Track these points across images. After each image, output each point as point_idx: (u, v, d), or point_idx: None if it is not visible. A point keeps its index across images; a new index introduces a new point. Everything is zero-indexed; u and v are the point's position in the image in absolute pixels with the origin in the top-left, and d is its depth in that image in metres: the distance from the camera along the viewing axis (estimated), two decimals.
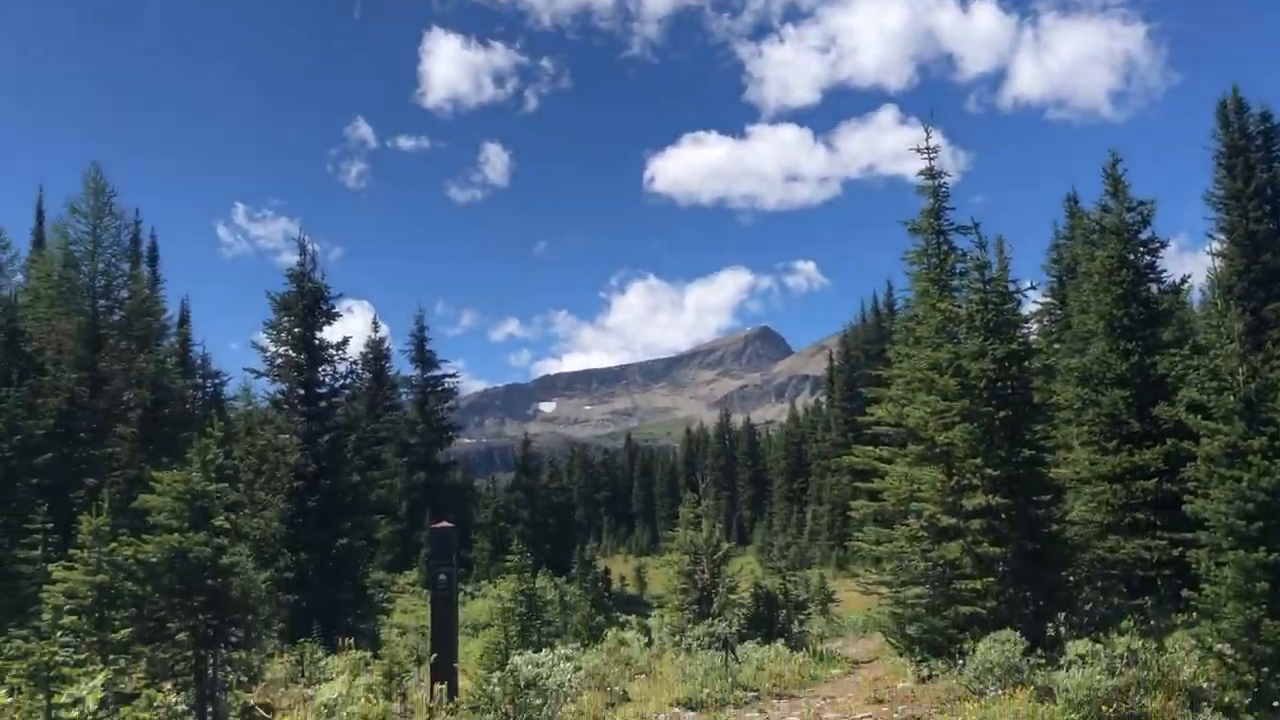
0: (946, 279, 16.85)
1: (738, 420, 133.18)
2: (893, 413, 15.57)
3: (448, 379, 63.59)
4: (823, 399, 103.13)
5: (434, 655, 12.78)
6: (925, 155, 18.11)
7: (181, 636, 7.48)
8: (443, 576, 13.21)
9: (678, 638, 20.30)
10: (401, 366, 65.66)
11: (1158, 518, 16.97)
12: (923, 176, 18.43)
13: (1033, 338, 34.11)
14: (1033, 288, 14.65)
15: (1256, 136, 42.61)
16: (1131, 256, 19.33)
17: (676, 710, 13.76)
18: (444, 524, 14.02)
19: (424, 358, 62.58)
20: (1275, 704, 9.98)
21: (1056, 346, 28.63)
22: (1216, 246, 42.82)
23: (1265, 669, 10.17)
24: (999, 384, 13.75)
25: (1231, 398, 11.38)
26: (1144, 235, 19.56)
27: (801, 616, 23.55)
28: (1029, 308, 44.93)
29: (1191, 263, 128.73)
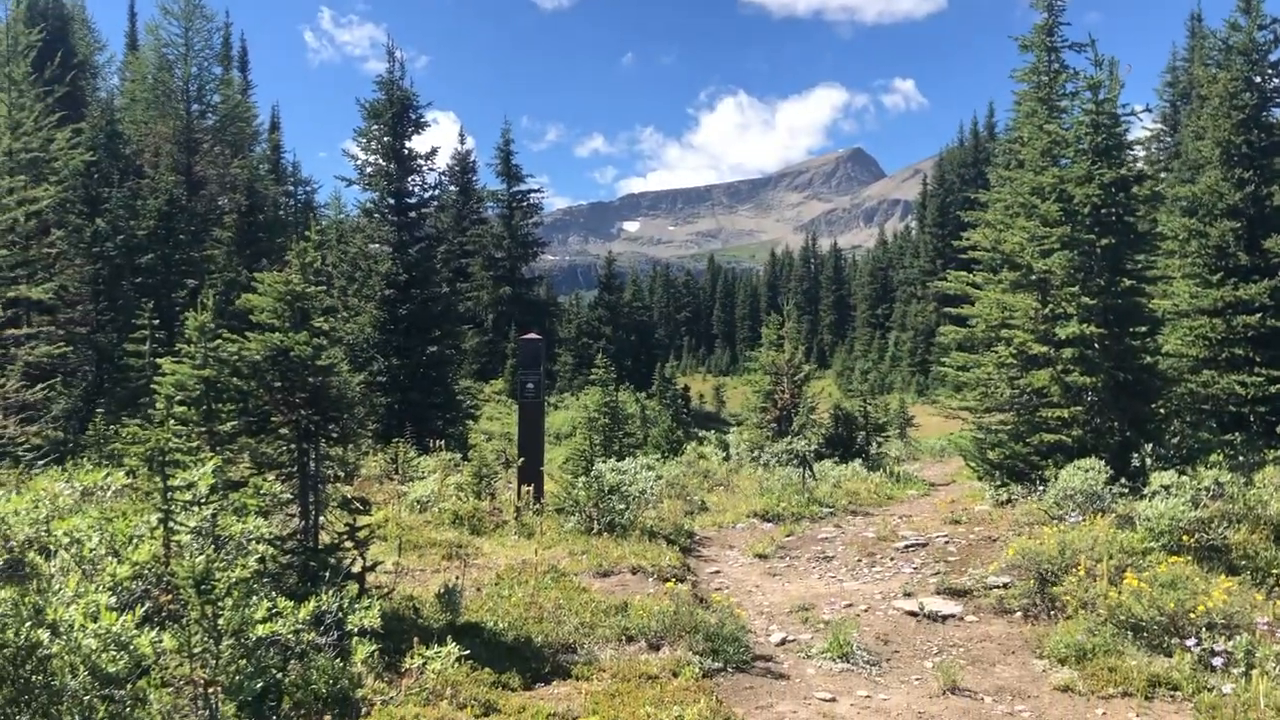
0: (1056, 99, 16.06)
1: (824, 245, 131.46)
2: (989, 238, 15.16)
3: (533, 194, 63.46)
4: (913, 224, 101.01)
5: (521, 459, 13.26)
6: None
7: (284, 431, 7.79)
8: (530, 385, 13.55)
9: (756, 454, 20.70)
10: (487, 180, 65.61)
11: (1258, 354, 16.52)
12: None
13: (1140, 165, 32.75)
14: (1147, 110, 13.86)
15: None
16: (1259, 79, 18.14)
17: (754, 520, 14.16)
18: (532, 335, 14.28)
19: (510, 172, 62.36)
20: None
21: (1165, 175, 27.39)
22: None
23: None
24: (1103, 210, 13.22)
25: None
26: (1274, 56, 18.28)
27: (880, 439, 23.79)
28: (1139, 133, 42.90)
29: None
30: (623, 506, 11.99)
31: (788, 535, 13.02)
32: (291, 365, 7.52)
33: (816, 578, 10.94)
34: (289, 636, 5.70)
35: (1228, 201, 17.95)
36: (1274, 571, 9.20)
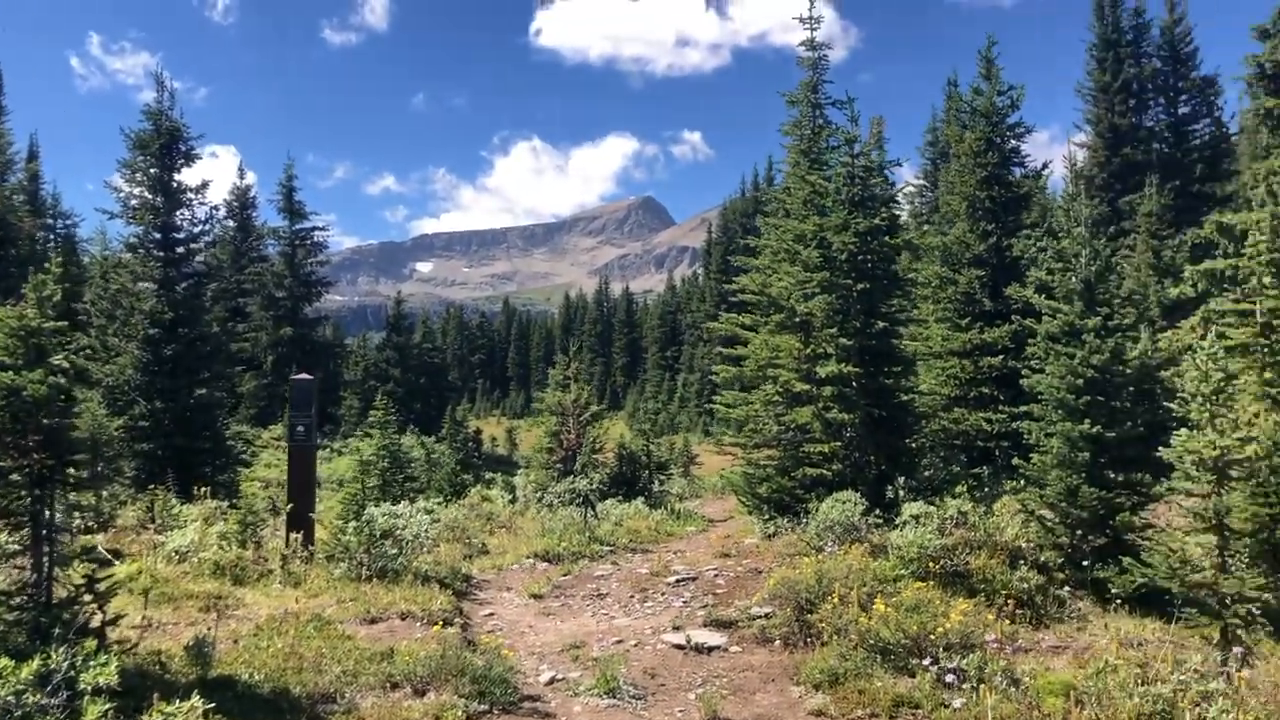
0: (818, 152, 16.98)
1: (616, 289, 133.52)
2: (757, 282, 15.81)
3: (318, 231, 61.45)
4: (700, 270, 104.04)
5: (290, 505, 12.75)
6: (807, 25, 17.99)
7: (15, 477, 7.22)
8: (301, 428, 13.10)
9: (541, 494, 20.67)
10: (269, 217, 63.26)
11: (1000, 392, 17.87)
12: (803, 48, 18.34)
13: (904, 217, 34.81)
14: (898, 164, 14.88)
15: (1129, 31, 43.62)
16: (998, 140, 19.78)
17: (533, 561, 14.11)
18: (303, 376, 13.83)
19: (293, 208, 60.26)
20: (1084, 563, 10.79)
21: (926, 227, 29.36)
22: (1082, 138, 44.18)
23: (1079, 531, 10.97)
24: (860, 257, 14.05)
25: (1073, 279, 11.89)
26: (1011, 119, 20.00)
27: (662, 477, 24.22)
28: (904, 188, 45.72)
29: (1062, 153, 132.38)
30: (395, 551, 11.71)
31: (565, 575, 13.06)
32: (24, 406, 7.00)
33: (590, 615, 11.00)
34: (8, 699, 5.28)
35: (974, 251, 19.42)
36: (1002, 592, 9.90)
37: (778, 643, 9.37)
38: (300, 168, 60.36)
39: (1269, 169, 20.92)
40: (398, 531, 11.92)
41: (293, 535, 12.43)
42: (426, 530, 12.90)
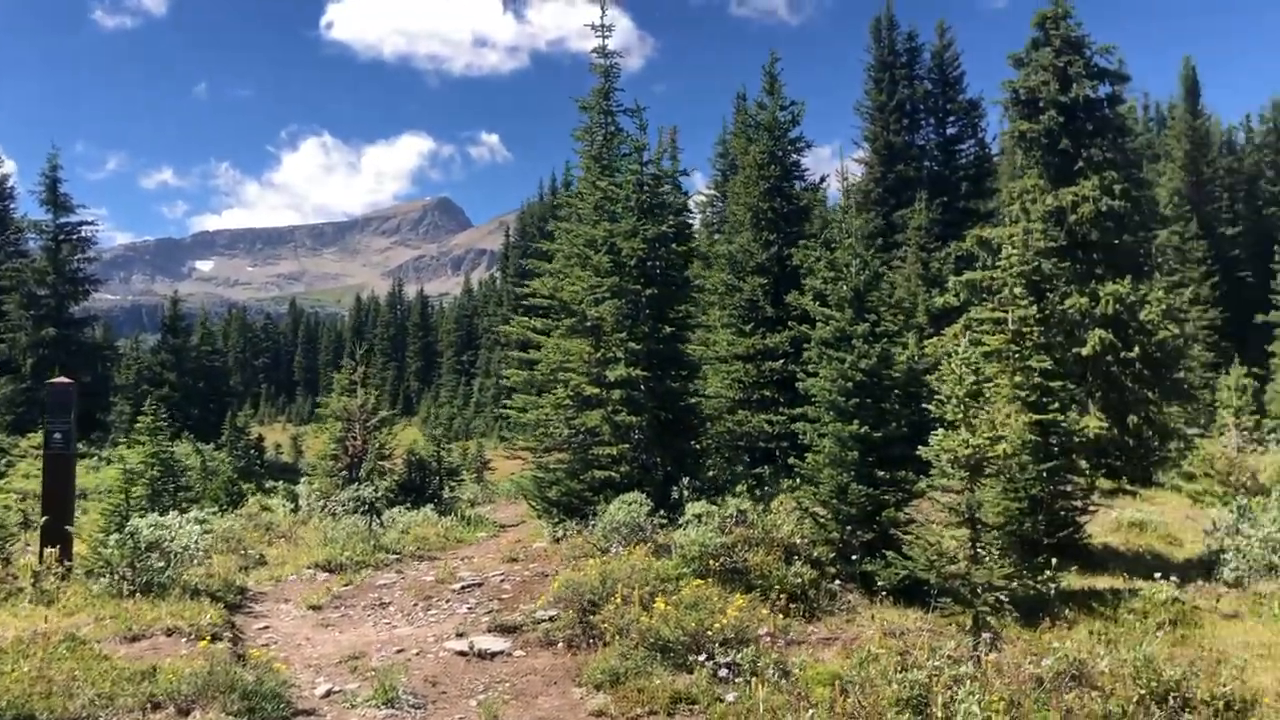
0: (610, 159, 17.17)
1: (411, 291, 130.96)
2: (549, 286, 15.86)
3: (86, 226, 57.46)
4: (497, 274, 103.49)
5: (45, 518, 11.88)
6: (599, 33, 18.16)
7: None
8: (58, 435, 12.25)
9: (324, 503, 20.01)
10: (31, 210, 58.65)
11: (781, 395, 18.58)
12: (596, 55, 18.50)
13: (696, 225, 35.44)
14: (685, 174, 15.26)
15: (903, 54, 46.26)
16: (780, 153, 20.58)
17: (314, 571, 13.64)
18: (62, 380, 12.92)
19: (57, 200, 56.06)
20: (854, 557, 11.35)
21: (717, 235, 30.19)
22: (860, 154, 46.54)
23: (849, 527, 11.52)
24: (649, 263, 14.32)
25: (844, 287, 12.48)
26: (793, 134, 20.86)
27: (454, 483, 23.91)
28: (695, 197, 46.65)
29: (835, 167, 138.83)
30: (162, 564, 11.07)
31: (346, 585, 12.69)
32: None
33: (371, 625, 10.73)
34: None
35: (757, 260, 20.14)
36: (777, 588, 10.29)
37: (561, 645, 9.41)
38: (67, 158, 56.30)
39: (1022, 188, 22.69)
40: (165, 543, 11.28)
41: (48, 550, 11.56)
42: (197, 541, 12.26)
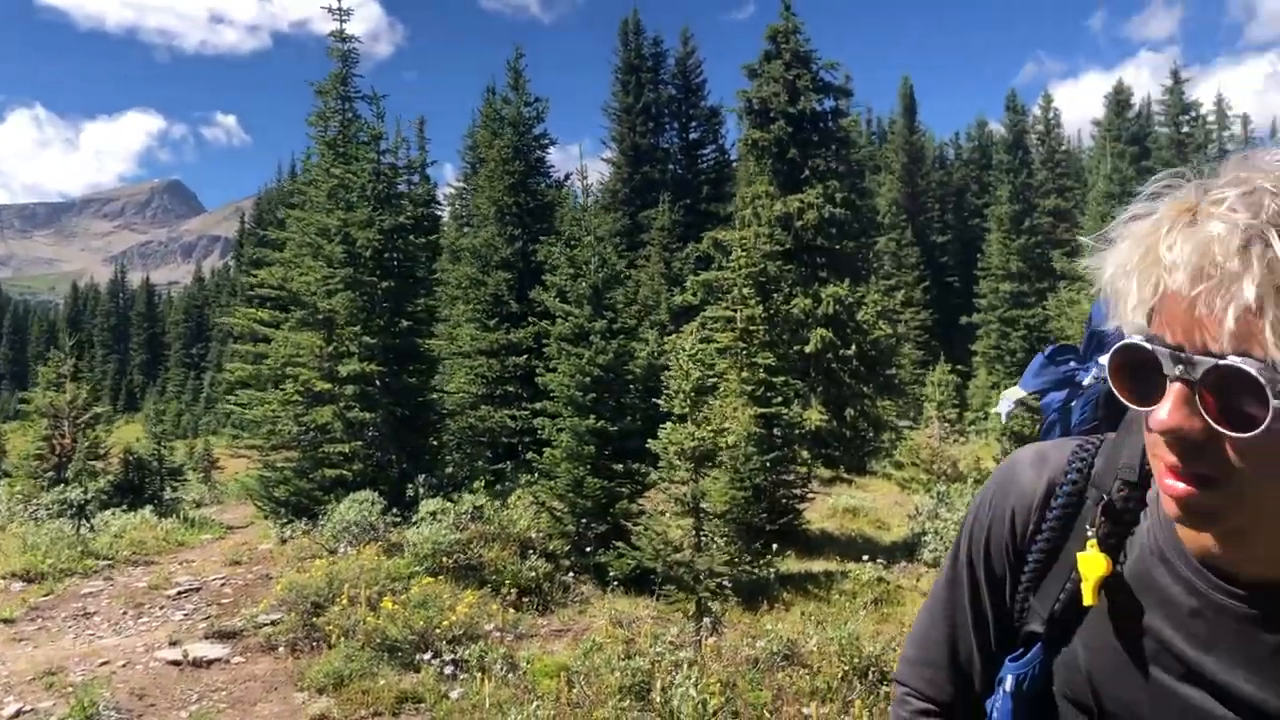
0: (347, 146, 16.65)
1: (136, 278, 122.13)
2: (279, 276, 15.20)
3: None
4: (231, 262, 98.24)
5: None
6: (336, 17, 17.57)
7: None
8: None
9: (25, 507, 18.35)
10: None
11: (524, 390, 18.63)
12: (334, 38, 17.90)
13: (445, 218, 34.91)
14: (425, 166, 15.03)
15: (649, 58, 47.45)
16: (525, 149, 20.63)
17: (6, 581, 12.47)
18: None
19: None
20: (588, 549, 11.55)
21: (467, 229, 29.86)
22: (608, 154, 47.39)
23: (584, 520, 11.71)
24: (385, 255, 14.00)
25: (584, 284, 12.67)
26: (538, 130, 20.96)
27: (176, 483, 22.53)
28: (446, 190, 46.04)
29: (593, 167, 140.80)
30: None
31: (46, 595, 11.67)
32: None
33: (73, 637, 9.92)
34: None
35: (502, 255, 20.10)
36: (510, 582, 10.33)
37: (284, 650, 9.04)
38: None
39: (754, 193, 23.79)
40: None
41: None
42: None
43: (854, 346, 22.60)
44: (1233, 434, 0.93)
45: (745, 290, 15.76)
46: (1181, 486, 0.98)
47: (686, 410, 9.96)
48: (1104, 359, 1.41)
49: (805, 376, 21.92)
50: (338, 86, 17.71)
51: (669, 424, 9.97)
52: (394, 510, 12.05)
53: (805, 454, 17.35)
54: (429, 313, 15.64)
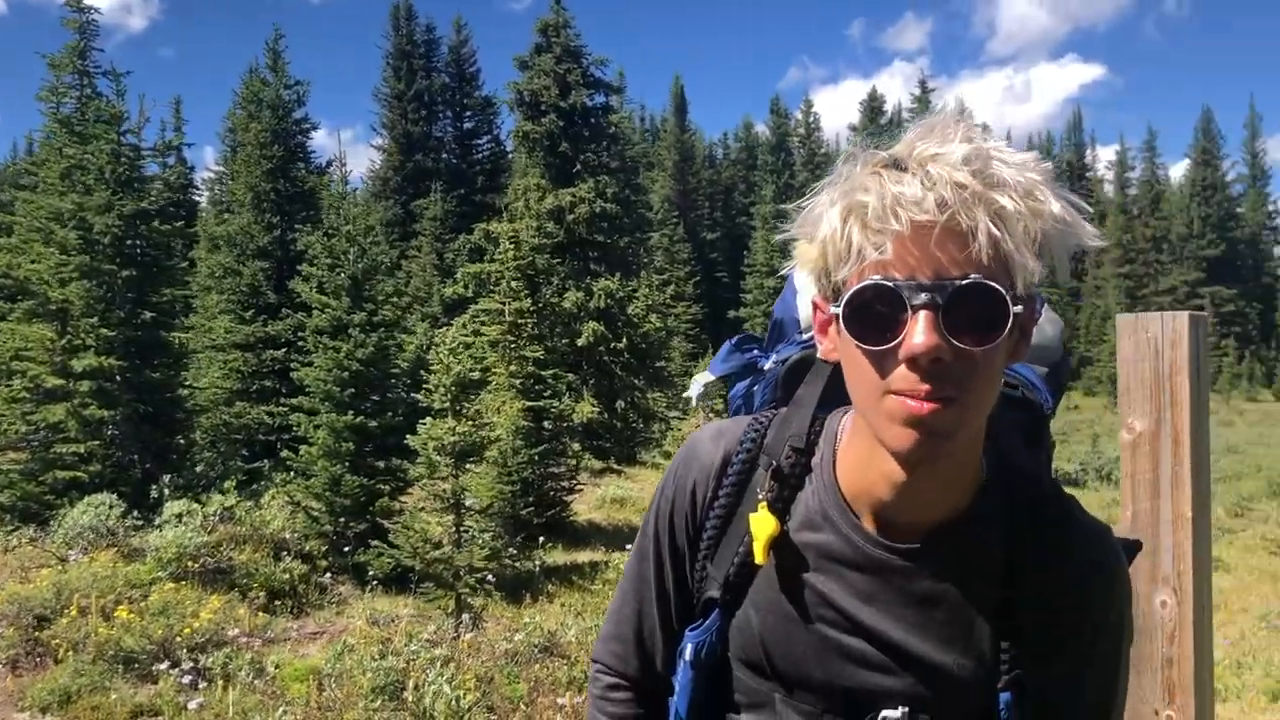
0: (84, 125, 15.50)
1: None
2: (4, 263, 13.99)
3: None
4: None
5: None
6: None
7: None
8: None
9: None
10: None
11: (283, 386, 17.90)
12: (70, 8, 16.63)
13: (204, 204, 33.15)
14: (180, 148, 14.18)
15: (422, 45, 46.62)
16: (284, 133, 19.81)
17: None
18: None
19: None
20: (346, 549, 11.25)
21: (227, 215, 28.37)
22: (379, 141, 46.22)
23: (343, 519, 11.40)
24: (127, 242, 13.13)
25: (342, 275, 12.32)
26: (298, 114, 20.18)
27: None
28: (205, 174, 43.62)
29: (365, 153, 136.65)
30: None
31: None
32: None
33: None
34: None
35: (259, 243, 19.22)
36: (262, 585, 9.94)
37: (4, 668, 8.35)
38: None
39: (526, 186, 23.79)
40: None
41: None
42: None
43: (625, 340, 22.98)
44: (979, 348, 1.04)
45: (514, 283, 15.74)
46: (927, 406, 1.04)
47: (447, 405, 9.86)
48: (779, 351, 1.51)
49: (577, 369, 22.12)
50: (74, 60, 16.47)
51: (429, 419, 9.83)
52: (135, 513, 11.33)
53: (576, 446, 17.52)
54: (177, 303, 14.78)
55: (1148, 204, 74.85)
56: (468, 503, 9.97)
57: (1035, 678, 1.23)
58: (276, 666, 7.88)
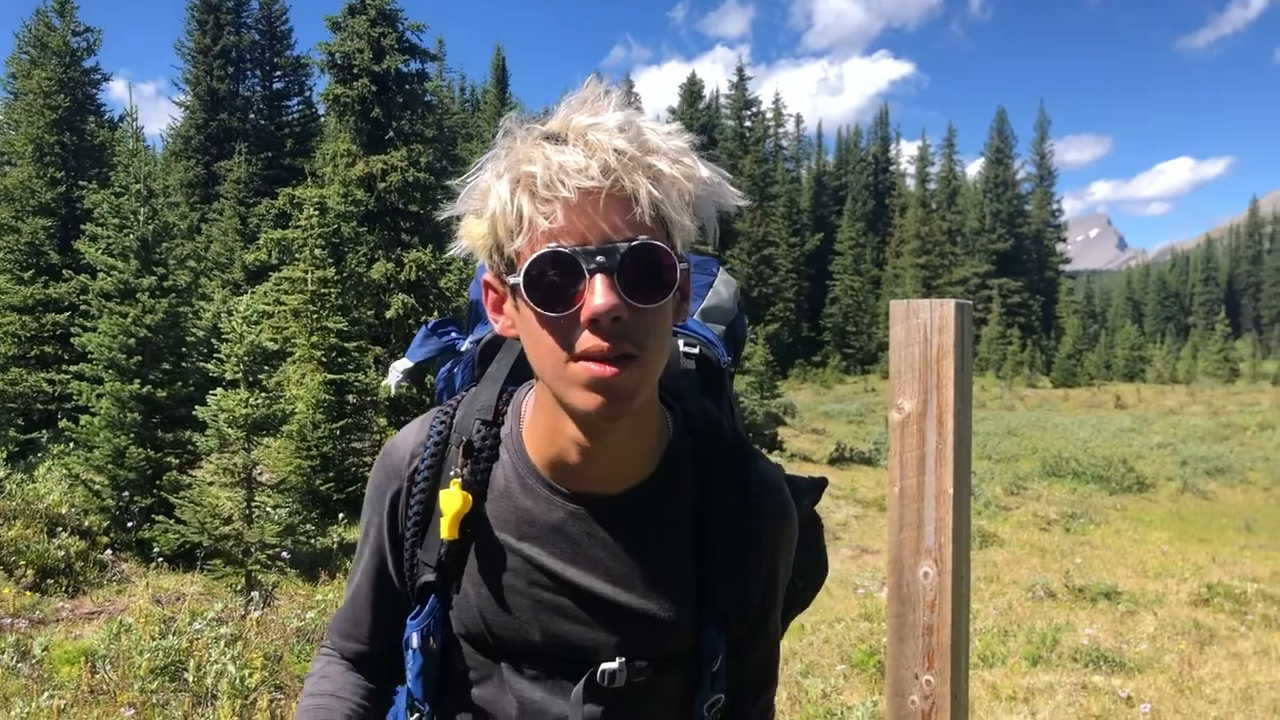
0: None
1: None
2: None
3: None
4: None
5: None
6: None
7: None
8: None
9: None
10: None
11: (65, 351, 16.82)
12: None
13: None
14: None
15: None
16: (72, 83, 18.52)
17: None
18: None
19: None
20: (130, 524, 10.71)
21: (6, 169, 26.30)
22: (182, 97, 43.77)
23: (126, 493, 10.83)
24: None
25: (131, 237, 11.67)
26: (89, 63, 18.91)
27: None
28: None
29: (166, 110, 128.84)
30: None
31: None
32: None
33: None
34: None
35: (41, 199, 17.94)
36: (33, 563, 9.35)
37: None
38: None
39: (335, 150, 23.02)
40: None
41: None
42: None
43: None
44: (652, 305, 1.10)
45: (318, 250, 15.26)
46: (611, 369, 1.09)
47: (240, 375, 9.49)
48: (487, 324, 1.55)
49: (386, 342, 21.63)
50: None
51: (220, 390, 9.44)
52: None
53: (381, 421, 17.16)
54: None
55: (945, 198, 79.19)
56: (261, 477, 9.63)
57: (732, 610, 1.34)
58: (45, 649, 7.44)
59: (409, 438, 1.36)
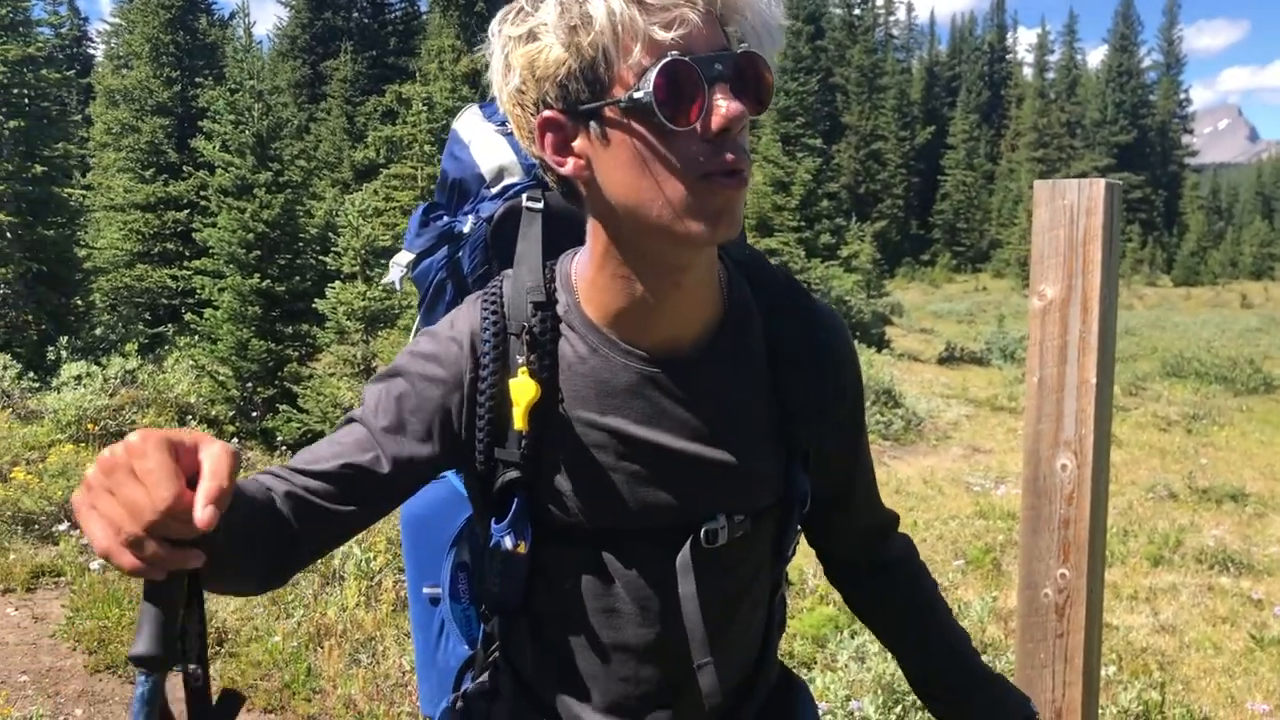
0: None
1: None
2: None
3: None
4: None
5: None
6: None
7: None
8: None
9: None
10: None
11: (186, 248, 17.38)
12: None
13: (99, 56, 31.32)
14: None
15: None
16: None
17: None
18: None
19: None
20: (254, 414, 11.13)
21: (125, 71, 26.99)
22: None
23: (249, 384, 11.24)
24: (14, 90, 12.43)
25: (246, 133, 11.87)
26: None
27: None
28: (100, 26, 41.18)
29: (273, 9, 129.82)
30: None
31: None
32: None
33: None
34: None
35: (159, 99, 18.38)
36: None
37: None
38: None
39: (439, 47, 23.02)
40: None
41: None
42: None
43: None
44: (757, 114, 1.08)
45: (427, 147, 15.34)
46: (737, 185, 1.07)
47: (357, 269, 9.68)
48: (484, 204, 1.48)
49: None
50: None
51: (337, 283, 9.65)
52: (31, 375, 11.03)
53: None
54: (71, 159, 14.12)
55: (1064, 89, 75.69)
56: (380, 369, 9.88)
57: (818, 447, 1.32)
58: None
59: (461, 325, 1.25)
